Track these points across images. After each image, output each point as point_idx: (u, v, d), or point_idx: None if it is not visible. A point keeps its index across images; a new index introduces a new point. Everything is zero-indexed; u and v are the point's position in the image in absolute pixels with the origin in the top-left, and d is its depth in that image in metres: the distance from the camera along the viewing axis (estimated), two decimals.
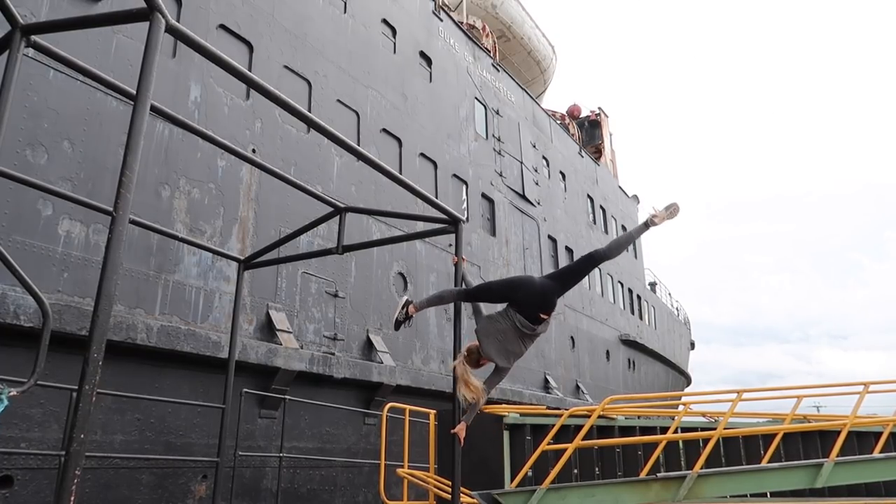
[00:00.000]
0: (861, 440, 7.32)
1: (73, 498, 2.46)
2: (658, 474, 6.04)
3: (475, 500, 5.67)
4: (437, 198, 11.24)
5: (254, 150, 9.71)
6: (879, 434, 6.86)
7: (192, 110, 8.96)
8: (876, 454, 6.46)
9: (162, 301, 8.13)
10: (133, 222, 6.04)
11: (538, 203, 19.07)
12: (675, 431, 6.63)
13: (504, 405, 8.98)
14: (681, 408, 7.70)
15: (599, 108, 29.48)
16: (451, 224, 5.67)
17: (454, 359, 4.88)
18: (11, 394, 3.47)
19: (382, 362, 11.01)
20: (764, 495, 6.82)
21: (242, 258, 7.35)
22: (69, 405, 6.04)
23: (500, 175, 17.27)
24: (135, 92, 3.00)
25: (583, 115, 29.26)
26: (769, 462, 6.36)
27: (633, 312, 25.74)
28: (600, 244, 23.50)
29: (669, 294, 33.67)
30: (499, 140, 17.67)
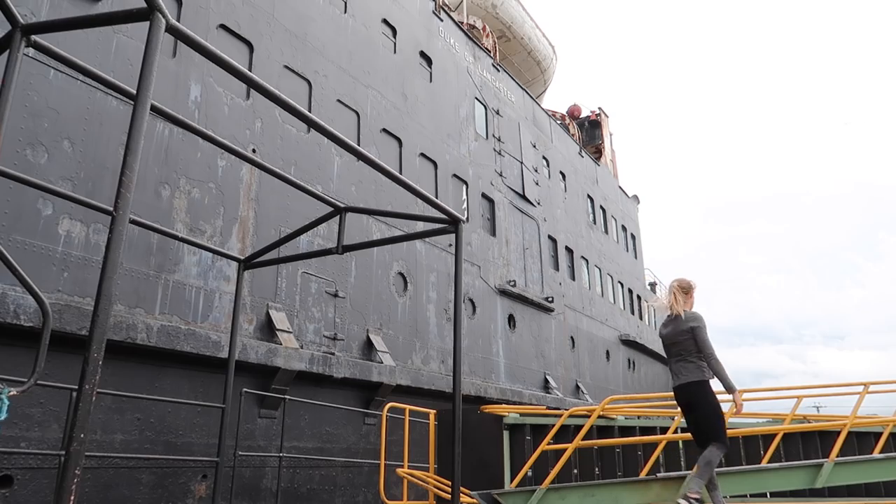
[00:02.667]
0: (861, 440, 7.32)
1: (73, 498, 2.46)
2: (658, 474, 6.04)
3: (475, 500, 5.67)
4: (437, 198, 11.25)
5: (254, 150, 9.71)
6: (879, 434, 6.86)
7: (192, 110, 8.96)
8: (876, 454, 6.46)
9: (162, 301, 8.12)
10: (133, 222, 6.03)
11: (538, 203, 19.07)
12: (675, 431, 6.63)
13: (504, 405, 8.98)
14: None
15: (599, 108, 29.49)
16: (451, 224, 5.66)
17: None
18: (11, 394, 3.47)
19: (382, 362, 11.01)
20: (764, 495, 6.82)
21: (242, 258, 7.35)
22: (69, 405, 6.04)
23: (500, 175, 17.27)
24: (135, 92, 3.00)
25: (583, 115, 29.27)
26: (769, 462, 6.36)
27: (633, 312, 25.75)
28: (600, 244, 23.56)
29: None
30: (499, 140, 17.67)
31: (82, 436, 2.52)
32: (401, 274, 12.50)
